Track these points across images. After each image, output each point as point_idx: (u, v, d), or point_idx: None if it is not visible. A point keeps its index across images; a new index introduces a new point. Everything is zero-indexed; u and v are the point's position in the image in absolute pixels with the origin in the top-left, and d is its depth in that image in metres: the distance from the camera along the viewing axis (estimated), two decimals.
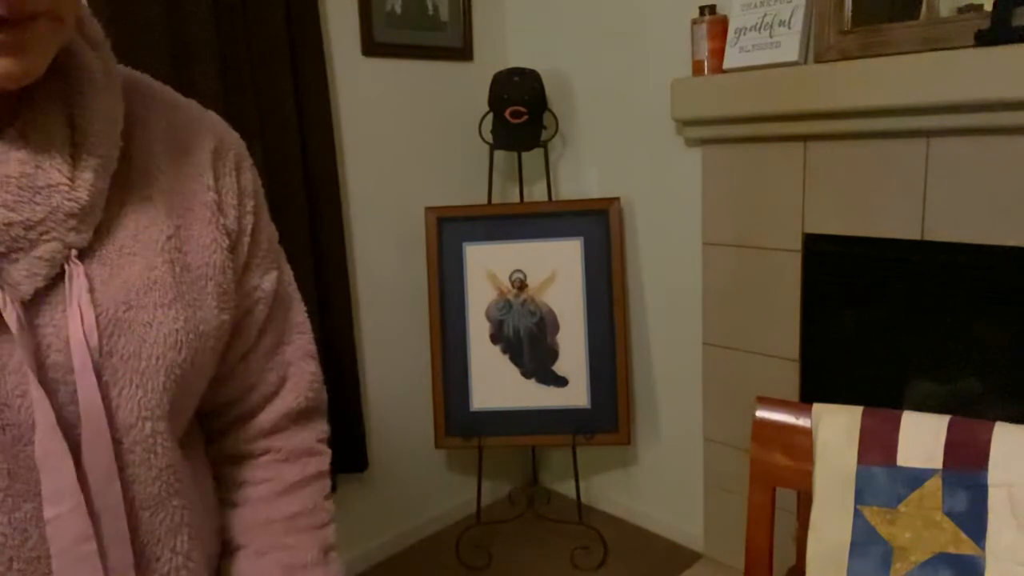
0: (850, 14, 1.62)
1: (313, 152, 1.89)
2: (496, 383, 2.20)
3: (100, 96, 0.55)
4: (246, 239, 0.66)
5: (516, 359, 2.20)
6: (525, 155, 2.44)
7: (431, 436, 2.37)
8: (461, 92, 2.34)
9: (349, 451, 2.06)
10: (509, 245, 2.19)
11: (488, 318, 2.20)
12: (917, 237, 1.61)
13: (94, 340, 0.52)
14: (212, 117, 0.67)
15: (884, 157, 1.63)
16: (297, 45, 1.83)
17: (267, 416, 0.71)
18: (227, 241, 0.63)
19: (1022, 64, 1.33)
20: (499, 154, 2.48)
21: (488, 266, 2.19)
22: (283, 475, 0.72)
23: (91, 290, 0.53)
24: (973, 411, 1.61)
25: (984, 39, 1.39)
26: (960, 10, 1.48)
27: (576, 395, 2.18)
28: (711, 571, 2.12)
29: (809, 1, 1.68)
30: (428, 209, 2.19)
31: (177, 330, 0.57)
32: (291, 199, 1.84)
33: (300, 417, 0.74)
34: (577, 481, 2.25)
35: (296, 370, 0.73)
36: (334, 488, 2.00)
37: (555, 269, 2.18)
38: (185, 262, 0.59)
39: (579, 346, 2.17)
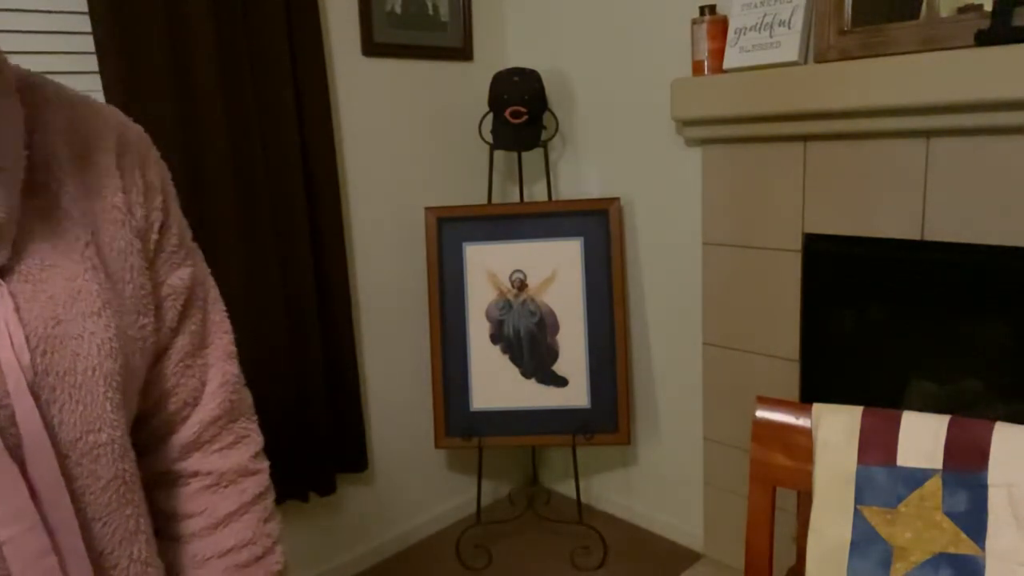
0: (850, 14, 1.62)
1: (313, 152, 1.89)
2: (496, 383, 2.20)
3: None
4: (153, 236, 0.63)
5: (516, 359, 2.20)
6: (525, 155, 2.44)
7: (431, 436, 2.37)
8: (461, 92, 2.34)
9: (349, 451, 2.06)
10: (509, 245, 2.19)
11: (488, 318, 2.20)
12: (917, 237, 1.61)
13: (26, 360, 0.50)
14: (111, 112, 0.63)
15: (884, 157, 1.63)
16: (297, 45, 1.83)
17: (190, 427, 0.67)
18: (139, 243, 0.61)
19: (1022, 64, 1.33)
20: (499, 154, 2.48)
21: (488, 266, 2.19)
22: (216, 506, 0.68)
23: (17, 308, 0.51)
24: (973, 411, 1.61)
25: (984, 39, 1.39)
26: (960, 10, 1.48)
27: (576, 395, 2.18)
28: (711, 571, 2.12)
29: (809, 1, 1.68)
30: (428, 209, 2.19)
31: (110, 338, 0.56)
32: (291, 199, 1.84)
33: (226, 423, 0.70)
34: (577, 481, 2.25)
35: (217, 372, 0.69)
36: (334, 488, 2.01)
37: (555, 269, 2.18)
38: (105, 268, 0.58)
39: (579, 346, 2.17)
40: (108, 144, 0.60)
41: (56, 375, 0.52)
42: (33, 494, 0.51)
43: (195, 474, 0.68)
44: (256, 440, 0.73)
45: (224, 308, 0.72)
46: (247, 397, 0.73)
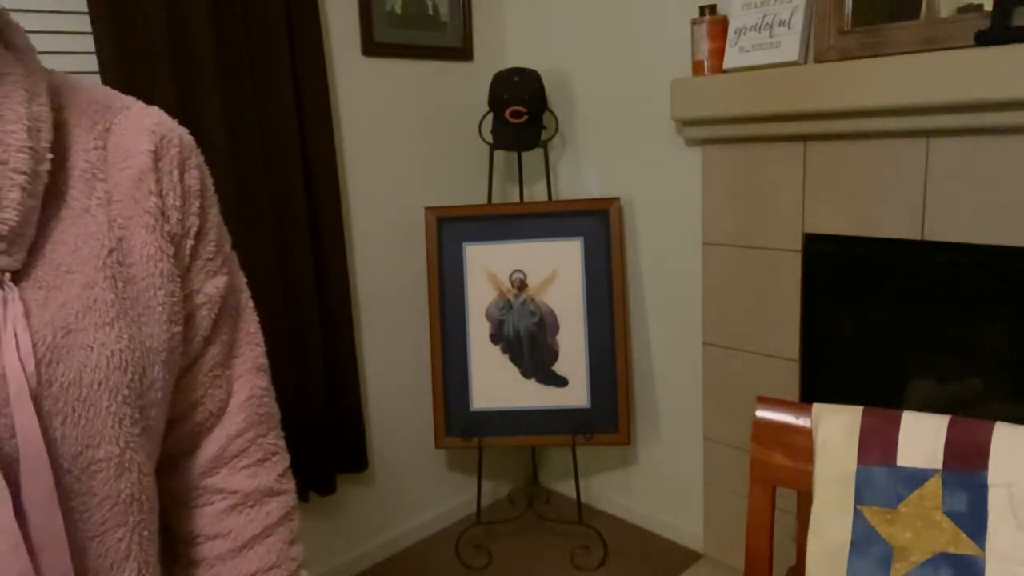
0: (850, 14, 1.62)
1: (313, 152, 1.89)
2: (496, 383, 2.20)
3: (20, 106, 0.51)
4: (189, 241, 0.61)
5: (516, 359, 2.20)
6: (525, 155, 2.44)
7: (431, 436, 2.37)
8: (461, 92, 2.34)
9: (349, 451, 2.06)
10: (509, 245, 2.19)
11: (488, 318, 2.20)
12: (917, 237, 1.61)
13: (31, 368, 0.49)
14: (152, 114, 0.62)
15: (884, 157, 1.63)
16: (297, 45, 1.83)
17: (215, 440, 0.66)
18: (172, 248, 0.59)
19: (1022, 64, 1.33)
20: (499, 154, 2.48)
21: (488, 266, 2.19)
22: (241, 528, 0.66)
23: (27, 315, 0.50)
24: (973, 411, 1.61)
25: (984, 39, 1.39)
26: (960, 10, 1.48)
27: (576, 395, 2.18)
28: (711, 571, 2.12)
29: (809, 1, 1.68)
30: (428, 209, 2.19)
31: (121, 350, 0.54)
32: (291, 199, 1.84)
33: (254, 437, 0.68)
34: (577, 481, 2.25)
35: (244, 383, 0.67)
36: (334, 488, 2.00)
37: (555, 269, 2.18)
38: (128, 275, 0.56)
39: (579, 346, 2.17)
40: (145, 146, 0.59)
41: (60, 386, 0.51)
42: (21, 511, 0.49)
43: (220, 492, 0.66)
44: (283, 458, 0.71)
45: (257, 319, 0.70)
46: (276, 412, 0.71)
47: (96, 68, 1.56)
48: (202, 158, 0.64)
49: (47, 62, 1.68)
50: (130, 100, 0.62)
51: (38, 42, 1.54)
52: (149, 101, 1.70)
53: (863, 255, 1.71)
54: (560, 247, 2.17)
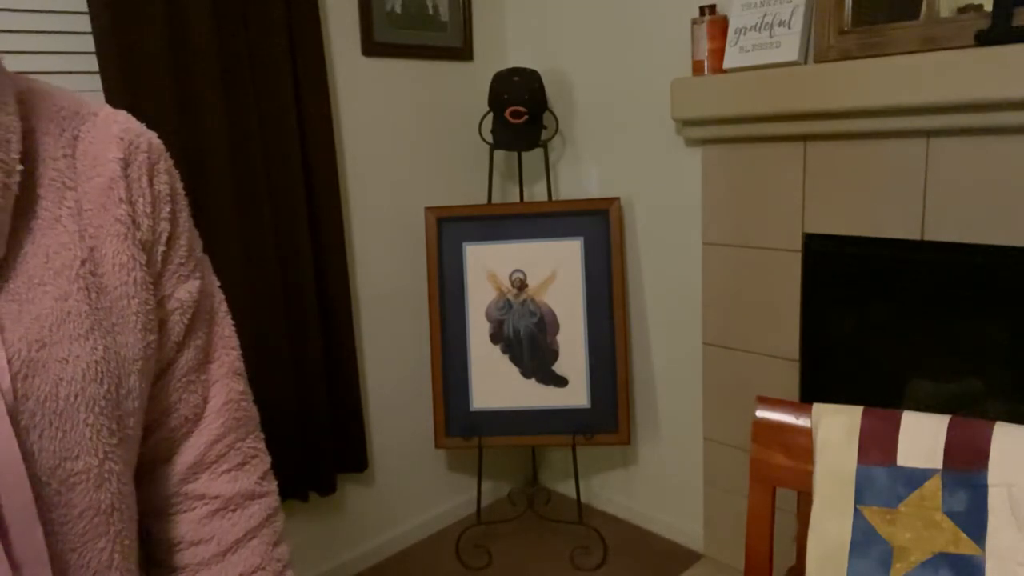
0: (850, 14, 1.62)
1: (313, 152, 1.89)
2: (496, 383, 2.20)
3: None
4: (160, 247, 0.61)
5: (516, 359, 2.20)
6: (525, 155, 2.44)
7: (431, 436, 2.37)
8: (461, 92, 2.34)
9: (349, 451, 2.06)
10: (509, 245, 2.19)
11: (488, 318, 2.20)
12: (917, 237, 1.61)
13: (6, 384, 0.48)
14: (120, 119, 0.60)
15: (884, 157, 1.63)
16: (297, 45, 1.83)
17: (194, 447, 0.65)
18: (144, 256, 0.59)
19: (1022, 64, 1.33)
20: (499, 154, 2.48)
21: (488, 266, 2.19)
22: (224, 533, 0.66)
23: (0, 329, 0.49)
24: (973, 411, 1.61)
25: (984, 39, 1.39)
26: (960, 10, 1.48)
27: (576, 395, 2.18)
28: (711, 571, 2.12)
29: (809, 1, 1.68)
30: (428, 209, 2.19)
31: (96, 361, 0.54)
32: (291, 199, 1.84)
33: (233, 441, 0.68)
34: (577, 481, 2.25)
35: (221, 389, 0.67)
36: (334, 488, 2.00)
37: (555, 269, 2.18)
38: (101, 285, 0.55)
39: (579, 346, 2.17)
40: (114, 154, 0.58)
41: (36, 400, 0.50)
42: (1, 526, 0.49)
43: (201, 497, 0.66)
44: (264, 460, 0.71)
45: (232, 323, 0.70)
46: (254, 415, 0.71)
47: (96, 68, 1.56)
48: (171, 162, 0.64)
49: (47, 62, 1.68)
50: (97, 105, 0.61)
51: (37, 42, 1.55)
52: (149, 101, 1.69)
53: (863, 255, 1.71)
54: (560, 247, 2.17)
